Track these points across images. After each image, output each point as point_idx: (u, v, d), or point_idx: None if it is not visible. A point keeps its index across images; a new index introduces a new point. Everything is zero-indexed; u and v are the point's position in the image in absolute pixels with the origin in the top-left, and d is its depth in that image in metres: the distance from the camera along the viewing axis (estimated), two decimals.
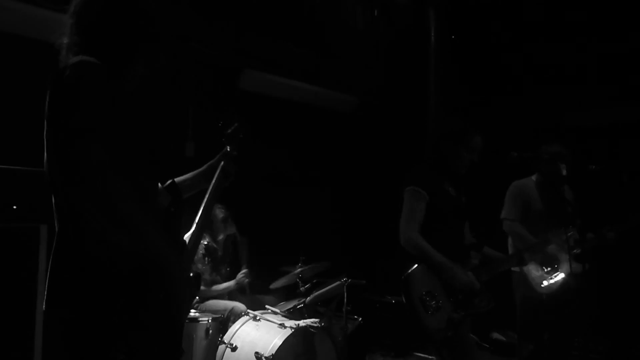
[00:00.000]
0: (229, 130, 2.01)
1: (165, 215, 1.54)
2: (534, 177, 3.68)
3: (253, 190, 4.47)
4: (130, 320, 1.37)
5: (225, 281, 3.81)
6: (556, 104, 5.14)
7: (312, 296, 3.61)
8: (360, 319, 3.78)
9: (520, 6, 5.08)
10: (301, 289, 3.74)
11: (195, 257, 3.62)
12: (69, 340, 1.38)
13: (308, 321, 3.27)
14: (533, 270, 3.40)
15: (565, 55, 5.00)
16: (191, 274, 1.65)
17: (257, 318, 3.26)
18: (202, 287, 3.57)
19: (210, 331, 3.14)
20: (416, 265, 2.65)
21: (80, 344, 1.37)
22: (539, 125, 5.01)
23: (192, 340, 3.08)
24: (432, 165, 2.88)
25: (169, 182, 1.66)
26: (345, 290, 3.43)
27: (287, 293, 3.99)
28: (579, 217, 3.53)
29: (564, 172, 3.36)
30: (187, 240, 1.70)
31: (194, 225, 1.78)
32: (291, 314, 3.47)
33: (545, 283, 3.38)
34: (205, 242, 3.73)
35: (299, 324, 3.17)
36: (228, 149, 1.96)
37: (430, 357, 4.25)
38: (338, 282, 3.50)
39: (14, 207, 2.66)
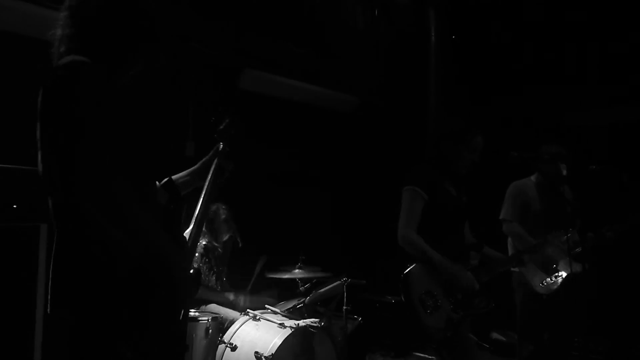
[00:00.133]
0: (221, 127, 2.02)
1: (164, 213, 1.55)
2: (533, 178, 3.68)
3: (253, 190, 4.47)
4: (134, 319, 1.37)
5: (220, 281, 3.79)
6: (556, 104, 5.14)
7: (311, 296, 3.60)
8: (360, 318, 3.78)
9: (520, 6, 5.09)
10: (301, 288, 3.74)
11: (195, 257, 3.63)
12: (74, 342, 1.38)
13: (308, 321, 3.27)
14: (532, 270, 3.40)
15: (565, 55, 5.00)
16: (191, 271, 1.65)
17: (257, 318, 3.26)
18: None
19: (210, 331, 3.14)
20: (415, 265, 2.65)
21: (86, 345, 1.37)
22: (539, 125, 5.02)
23: (191, 339, 3.07)
24: (433, 165, 2.88)
25: (165, 180, 1.67)
26: (345, 290, 3.43)
27: (287, 293, 3.99)
28: (579, 217, 3.53)
29: (564, 172, 3.36)
30: (186, 238, 1.71)
31: (192, 223, 1.78)
32: (291, 314, 3.46)
33: (544, 283, 3.38)
34: (204, 242, 3.72)
35: (298, 324, 3.17)
36: (221, 146, 1.96)
37: (430, 357, 4.24)
38: (338, 282, 3.50)
39: (14, 206, 2.66)
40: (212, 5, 4.12)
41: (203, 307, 3.56)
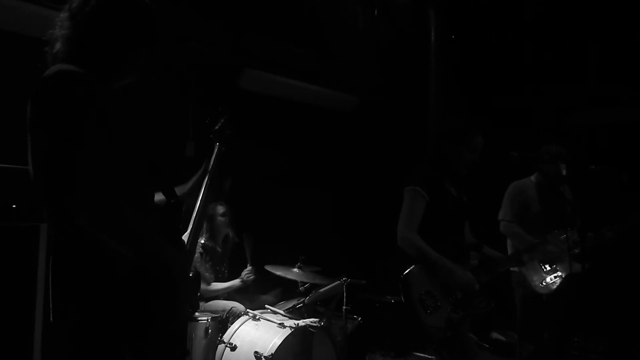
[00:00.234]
0: (217, 127, 2.02)
1: (162, 215, 1.54)
2: (533, 178, 3.68)
3: (253, 190, 4.47)
4: (135, 320, 1.37)
5: (222, 281, 3.80)
6: (556, 104, 5.14)
7: (311, 296, 3.60)
8: (360, 318, 3.78)
9: (520, 6, 5.09)
10: (300, 288, 3.74)
11: (195, 257, 3.64)
12: (74, 342, 1.37)
13: (307, 321, 3.27)
14: (532, 270, 3.40)
15: (565, 55, 5.00)
16: (190, 274, 1.65)
17: (257, 317, 3.26)
18: (202, 287, 3.58)
19: (210, 331, 3.14)
20: (415, 265, 2.65)
21: (86, 346, 1.36)
22: (539, 125, 5.02)
23: (191, 339, 3.07)
24: (433, 165, 2.87)
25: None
26: (344, 290, 3.43)
27: (287, 292, 3.99)
28: (579, 217, 3.53)
29: (564, 172, 3.36)
30: (185, 240, 1.70)
31: (191, 224, 1.78)
32: (291, 314, 3.46)
33: (544, 283, 3.38)
34: (202, 241, 3.73)
35: (298, 324, 3.17)
36: (217, 146, 1.96)
37: (430, 357, 4.25)
38: (338, 282, 3.50)
39: (14, 206, 2.66)
40: (212, 5, 4.12)
41: (205, 305, 3.56)
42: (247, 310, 3.39)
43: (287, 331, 3.07)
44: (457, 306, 2.67)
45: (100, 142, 1.33)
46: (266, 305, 3.53)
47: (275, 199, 4.68)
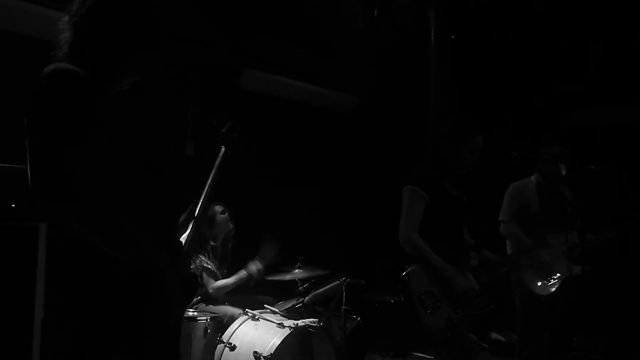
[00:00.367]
0: (223, 130, 2.01)
1: (162, 215, 1.53)
2: (533, 178, 3.67)
3: (253, 190, 4.47)
4: (128, 325, 1.36)
5: (223, 275, 3.78)
6: (556, 104, 5.14)
7: (310, 296, 3.60)
8: (359, 318, 3.78)
9: (520, 6, 5.09)
10: (300, 288, 3.74)
11: (204, 257, 3.64)
12: (70, 346, 1.36)
13: (307, 321, 3.26)
14: (531, 271, 3.40)
15: (566, 55, 5.00)
16: (188, 276, 1.63)
17: (256, 317, 3.26)
18: (213, 284, 3.58)
19: (209, 330, 3.14)
20: (415, 265, 2.65)
21: (82, 350, 1.35)
22: (539, 125, 5.01)
23: (190, 339, 3.07)
24: (433, 165, 2.87)
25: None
26: (344, 290, 3.43)
27: (286, 292, 3.98)
28: (579, 217, 3.53)
29: (564, 172, 3.36)
30: (183, 242, 1.69)
31: (190, 226, 1.77)
32: (290, 314, 3.46)
33: (542, 284, 3.37)
34: (212, 243, 3.74)
35: (297, 324, 3.16)
36: (223, 149, 1.96)
37: (429, 357, 4.24)
38: (337, 282, 3.49)
39: (13, 205, 2.66)
40: (212, 5, 4.12)
41: (201, 307, 3.55)
42: (247, 310, 3.39)
43: (287, 331, 3.07)
44: (457, 306, 2.66)
45: (97, 142, 1.33)
46: (265, 305, 3.53)
47: (275, 199, 4.68)
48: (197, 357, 3.09)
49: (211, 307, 3.56)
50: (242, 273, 3.67)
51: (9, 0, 3.35)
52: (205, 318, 3.17)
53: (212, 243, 3.75)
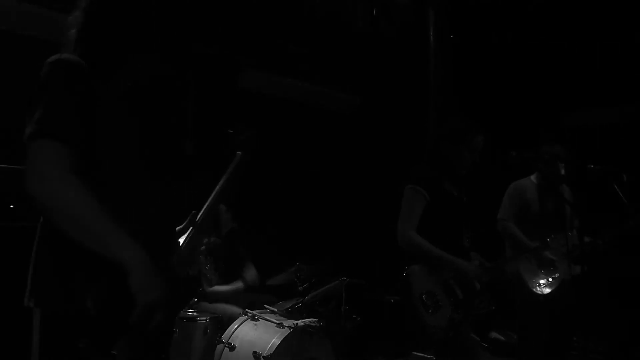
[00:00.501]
0: (243, 137, 2.00)
1: (160, 215, 1.52)
2: (533, 178, 3.67)
3: (252, 190, 4.46)
4: (99, 317, 1.30)
5: (221, 278, 3.79)
6: (556, 104, 5.14)
7: (310, 295, 3.60)
8: (359, 318, 3.78)
9: (519, 6, 5.09)
10: (300, 288, 3.74)
11: (203, 259, 3.64)
12: (42, 336, 1.36)
13: (306, 321, 3.26)
14: (530, 271, 3.40)
15: (565, 55, 5.00)
16: (184, 277, 1.61)
17: (256, 317, 3.26)
18: (208, 289, 3.58)
19: (209, 330, 3.14)
20: (415, 265, 2.65)
21: (53, 341, 1.34)
22: (539, 125, 5.01)
23: (190, 339, 3.07)
24: (433, 165, 2.87)
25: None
26: (344, 289, 3.43)
27: (286, 292, 3.98)
28: (578, 217, 3.53)
29: (563, 172, 3.36)
30: (181, 242, 1.68)
31: (192, 227, 1.75)
32: (290, 314, 3.46)
33: (542, 284, 3.37)
34: (205, 240, 3.72)
35: (297, 324, 3.16)
36: (239, 154, 1.95)
37: (429, 357, 4.24)
38: (337, 282, 3.50)
39: (12, 206, 2.66)
40: (212, 4, 4.12)
41: (200, 307, 3.55)
42: (246, 310, 3.39)
43: (286, 331, 3.07)
44: (458, 306, 2.66)
45: (86, 133, 1.33)
46: (265, 305, 3.53)
47: (274, 199, 4.68)
48: (197, 357, 3.09)
49: (211, 307, 3.56)
50: (239, 284, 3.69)
51: (9, 1, 3.36)
52: (205, 318, 3.17)
53: (212, 238, 3.74)
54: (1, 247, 2.67)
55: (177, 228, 1.75)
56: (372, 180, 5.39)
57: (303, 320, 3.26)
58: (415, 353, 4.37)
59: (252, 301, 3.67)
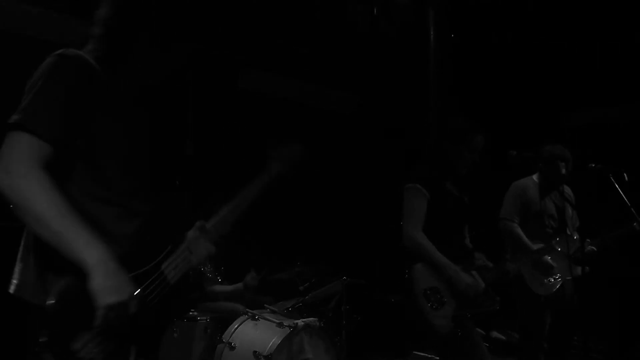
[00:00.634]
0: (284, 150, 1.97)
1: (159, 216, 1.51)
2: (535, 177, 3.67)
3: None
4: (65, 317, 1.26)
5: (221, 277, 3.79)
6: (556, 104, 5.14)
7: (311, 295, 3.60)
8: (359, 318, 3.78)
9: (519, 6, 5.09)
10: (300, 288, 3.74)
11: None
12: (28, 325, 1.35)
13: (307, 320, 3.26)
14: (531, 271, 3.40)
15: (565, 55, 5.00)
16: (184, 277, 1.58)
17: (256, 317, 3.26)
18: (208, 287, 3.59)
19: (209, 330, 3.14)
20: (419, 262, 2.65)
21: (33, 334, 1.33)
22: (539, 125, 5.02)
23: (190, 339, 3.07)
24: (433, 165, 2.87)
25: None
26: (344, 289, 3.43)
27: (286, 292, 3.98)
28: (579, 217, 3.53)
29: (564, 172, 3.36)
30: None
31: (193, 228, 1.73)
32: (290, 313, 3.46)
33: (543, 284, 3.37)
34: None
35: (297, 323, 3.16)
36: (276, 166, 1.92)
37: (430, 356, 4.24)
38: (337, 282, 3.50)
39: (12, 206, 2.65)
40: (212, 4, 4.12)
41: (201, 307, 3.56)
42: (247, 309, 3.39)
43: (286, 331, 3.07)
44: (462, 303, 2.66)
45: (72, 131, 1.32)
46: (265, 305, 3.53)
47: (274, 199, 4.67)
48: (197, 356, 3.09)
49: (212, 305, 3.56)
50: (239, 284, 3.70)
51: (9, 1, 3.36)
52: (205, 318, 3.17)
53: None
54: (1, 247, 2.66)
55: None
56: (372, 180, 5.39)
57: (303, 320, 3.26)
58: (415, 352, 4.37)
59: (252, 301, 3.68)
